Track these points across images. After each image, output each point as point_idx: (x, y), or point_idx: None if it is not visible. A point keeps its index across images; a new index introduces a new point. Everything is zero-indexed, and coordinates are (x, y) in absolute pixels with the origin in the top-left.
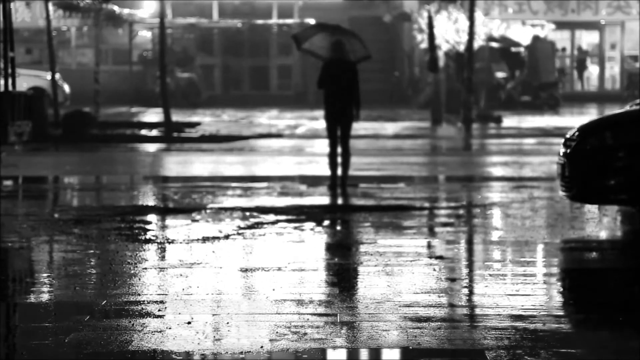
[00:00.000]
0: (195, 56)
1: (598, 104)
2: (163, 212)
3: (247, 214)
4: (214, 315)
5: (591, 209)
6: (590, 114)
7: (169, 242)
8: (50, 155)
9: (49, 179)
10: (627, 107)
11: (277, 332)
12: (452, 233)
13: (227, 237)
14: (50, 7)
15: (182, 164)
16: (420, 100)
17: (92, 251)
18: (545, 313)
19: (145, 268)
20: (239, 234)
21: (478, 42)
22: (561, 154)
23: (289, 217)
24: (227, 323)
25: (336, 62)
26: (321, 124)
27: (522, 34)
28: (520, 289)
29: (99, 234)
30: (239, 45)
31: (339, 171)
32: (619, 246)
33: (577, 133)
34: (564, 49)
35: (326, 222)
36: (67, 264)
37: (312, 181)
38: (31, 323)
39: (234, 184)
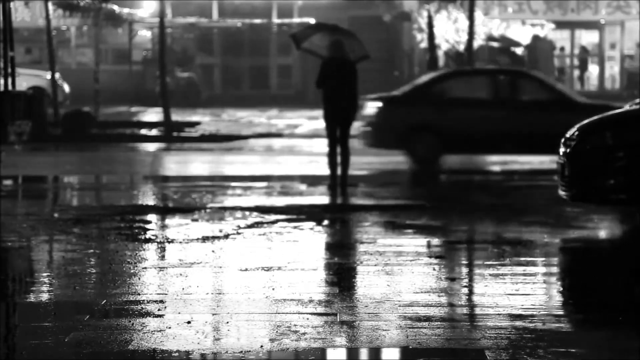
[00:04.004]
0: (195, 56)
1: None
2: (163, 211)
3: (247, 213)
4: (213, 314)
5: (591, 208)
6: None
7: (169, 242)
8: (50, 154)
9: (49, 179)
10: (627, 107)
11: (277, 332)
12: (452, 233)
13: (227, 236)
14: (50, 6)
15: (182, 164)
16: None
17: (92, 251)
18: (545, 313)
19: (145, 268)
20: (238, 233)
21: (478, 42)
22: (561, 153)
23: (289, 216)
24: (227, 323)
25: (335, 61)
26: (321, 124)
27: (521, 34)
28: (520, 288)
29: (99, 234)
30: (239, 45)
31: (339, 171)
32: (619, 246)
33: (577, 133)
34: (562, 49)
35: (326, 222)
36: (67, 264)
37: (312, 181)
38: (31, 323)
39: (233, 184)
